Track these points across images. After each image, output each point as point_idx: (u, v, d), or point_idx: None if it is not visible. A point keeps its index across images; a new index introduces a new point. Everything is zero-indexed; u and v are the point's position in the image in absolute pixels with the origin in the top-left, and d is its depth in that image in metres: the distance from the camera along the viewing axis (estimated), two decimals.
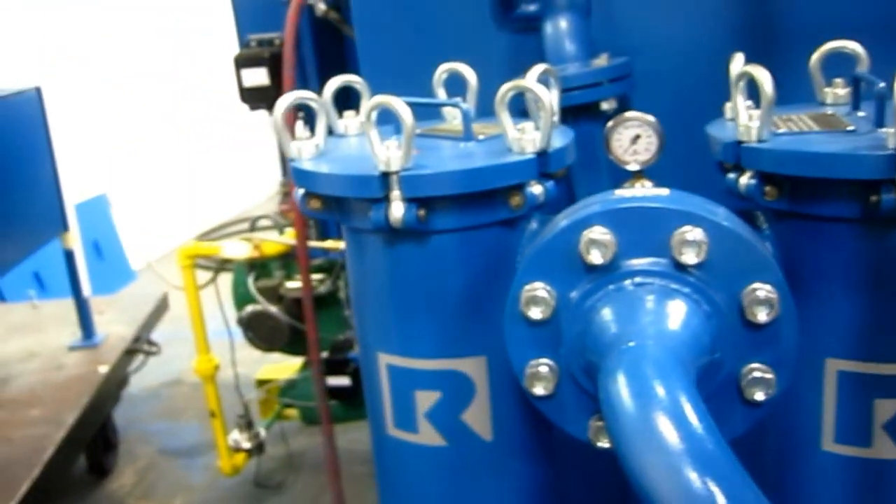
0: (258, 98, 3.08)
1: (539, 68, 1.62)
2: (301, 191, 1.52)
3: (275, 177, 9.90)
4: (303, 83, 3.20)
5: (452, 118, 1.79)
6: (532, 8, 2.20)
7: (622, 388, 1.06)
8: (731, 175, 1.47)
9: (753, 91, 1.41)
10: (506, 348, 1.34)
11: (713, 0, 2.15)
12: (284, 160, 3.46)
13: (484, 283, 1.48)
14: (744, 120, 1.42)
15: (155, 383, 4.95)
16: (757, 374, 1.26)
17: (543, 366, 1.30)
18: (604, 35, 2.20)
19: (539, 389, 1.30)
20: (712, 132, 1.55)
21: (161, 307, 4.49)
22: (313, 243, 3.29)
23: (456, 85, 1.81)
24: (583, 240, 1.24)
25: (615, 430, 1.04)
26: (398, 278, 1.50)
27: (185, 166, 8.32)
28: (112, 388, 4.01)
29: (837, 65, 1.74)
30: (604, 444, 1.31)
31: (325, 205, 1.50)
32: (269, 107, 3.14)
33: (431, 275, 1.48)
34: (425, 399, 1.53)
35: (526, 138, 1.41)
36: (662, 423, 1.00)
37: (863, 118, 1.51)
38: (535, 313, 1.27)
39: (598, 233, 1.23)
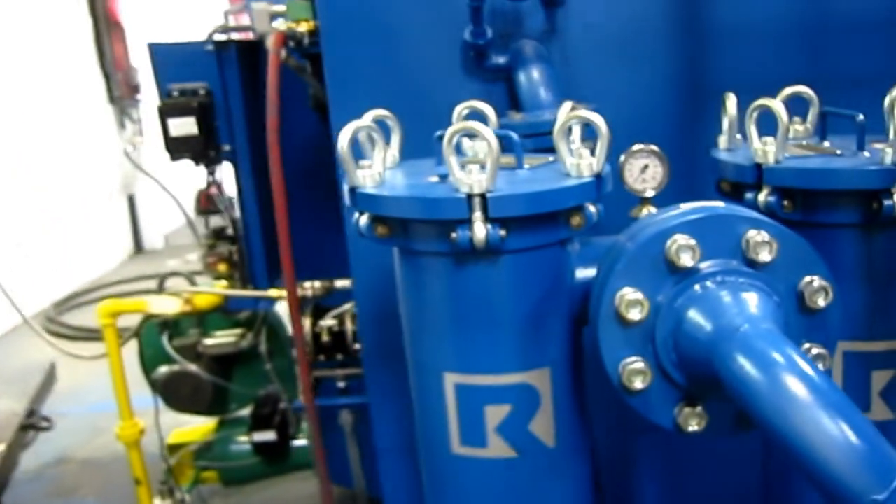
0: (185, 148, 3.10)
1: (569, 104, 1.83)
2: (365, 218, 1.63)
3: (125, 243, 9.61)
4: (228, 131, 3.25)
5: (474, 152, 1.94)
6: (502, 60, 2.41)
7: (751, 363, 1.28)
8: (749, 194, 1.73)
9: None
10: (598, 350, 1.50)
11: (658, 53, 2.46)
12: (207, 211, 3.45)
13: (545, 298, 1.65)
14: (758, 145, 1.69)
15: (37, 463, 4.65)
16: (815, 350, 1.50)
17: (638, 363, 1.48)
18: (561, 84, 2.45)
19: (638, 384, 1.47)
20: (724, 158, 1.81)
21: (49, 379, 4.28)
22: (244, 292, 3.30)
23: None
24: (672, 247, 1.44)
25: (752, 398, 1.25)
26: (470, 298, 1.63)
27: (27, 232, 7.89)
28: (7, 470, 3.77)
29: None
30: (693, 427, 1.50)
31: (392, 230, 1.62)
32: (195, 156, 3.16)
33: (503, 293, 1.62)
34: (495, 413, 1.66)
35: (584, 163, 1.61)
36: (793, 383, 1.23)
37: (838, 146, 1.82)
38: (634, 315, 1.45)
39: (684, 240, 1.44)
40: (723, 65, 2.46)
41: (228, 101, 3.18)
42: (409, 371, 1.84)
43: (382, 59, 2.43)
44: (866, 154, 1.70)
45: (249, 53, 3.28)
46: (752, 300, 1.42)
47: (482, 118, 1.95)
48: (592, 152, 1.60)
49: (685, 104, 2.51)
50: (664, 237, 1.46)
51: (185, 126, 3.11)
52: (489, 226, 1.51)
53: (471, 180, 1.50)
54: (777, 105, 1.65)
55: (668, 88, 2.49)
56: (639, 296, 1.45)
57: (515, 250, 1.59)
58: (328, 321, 3.10)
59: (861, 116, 1.73)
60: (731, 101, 1.88)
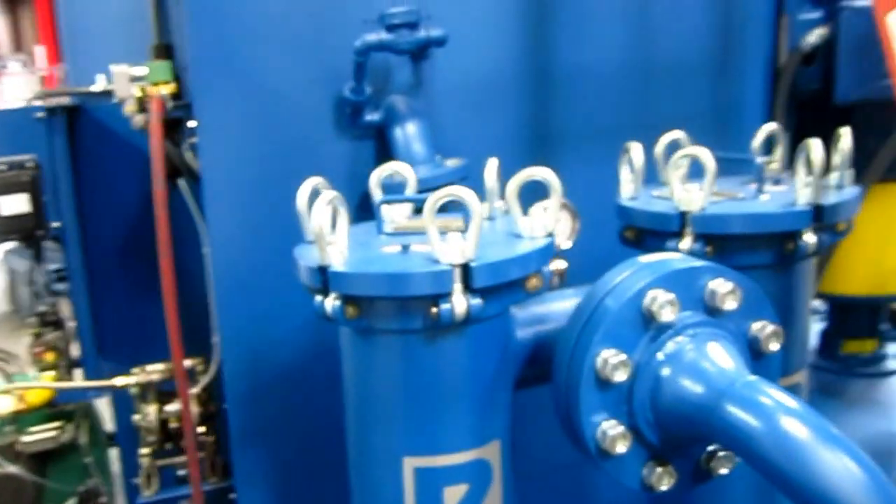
0: (16, 227, 2.78)
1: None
2: (334, 299, 1.55)
3: None
4: (56, 207, 2.96)
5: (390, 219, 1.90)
6: (376, 117, 2.40)
7: (752, 416, 1.38)
8: (671, 241, 1.84)
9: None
10: (573, 415, 1.53)
11: (510, 103, 2.60)
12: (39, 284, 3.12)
13: (498, 365, 1.68)
14: (682, 194, 1.81)
15: None
16: None
17: (618, 426, 1.53)
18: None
19: (620, 448, 1.52)
20: (638, 206, 1.92)
21: None
22: (80, 384, 3.01)
23: None
24: (653, 303, 1.51)
25: (757, 448, 1.35)
26: (436, 374, 1.61)
27: None
28: None
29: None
30: (664, 486, 1.57)
31: (362, 311, 1.56)
32: (26, 237, 2.85)
33: (466, 365, 1.63)
34: (454, 494, 1.65)
35: (537, 223, 1.66)
36: (796, 427, 1.34)
37: (730, 188, 1.99)
38: (619, 376, 1.50)
39: (664, 295, 1.51)
40: (565, 112, 2.66)
41: (57, 174, 2.90)
42: (352, 460, 1.78)
43: (253, 116, 2.36)
44: (765, 196, 1.88)
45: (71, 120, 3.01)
46: (728, 352, 1.52)
47: (399, 185, 1.94)
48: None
49: (533, 149, 2.65)
50: (642, 293, 1.52)
51: (16, 203, 2.80)
52: (470, 297, 1.50)
53: (453, 250, 1.48)
54: (706, 155, 1.77)
55: (519, 135, 2.64)
56: (622, 357, 1.50)
57: (482, 319, 1.58)
58: (176, 405, 2.88)
59: (760, 160, 1.90)
60: (637, 151, 1.99)
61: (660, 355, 1.52)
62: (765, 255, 1.83)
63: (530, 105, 2.62)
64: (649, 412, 1.53)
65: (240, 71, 2.34)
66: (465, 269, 1.49)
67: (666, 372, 1.52)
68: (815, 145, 1.77)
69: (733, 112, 2.83)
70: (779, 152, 2.17)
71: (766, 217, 1.79)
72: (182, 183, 2.92)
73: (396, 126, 2.40)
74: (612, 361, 1.49)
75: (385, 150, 2.48)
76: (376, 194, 1.90)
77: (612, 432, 1.51)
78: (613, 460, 1.55)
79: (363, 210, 2.43)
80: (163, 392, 2.91)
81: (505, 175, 2.51)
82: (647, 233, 1.93)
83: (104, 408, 3.71)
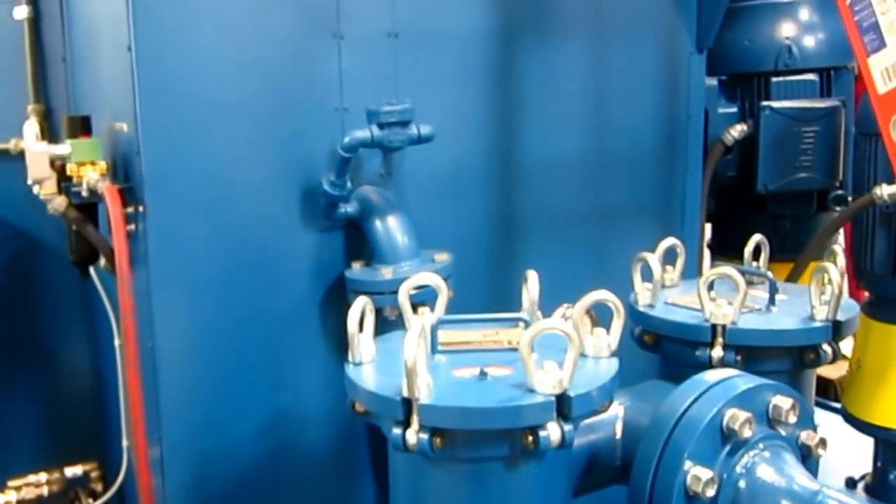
0: None
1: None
2: (423, 432, 1.63)
3: None
4: None
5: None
6: (351, 209, 2.49)
7: None
8: (700, 350, 2.08)
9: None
10: None
11: (476, 191, 2.80)
12: None
13: (567, 485, 1.84)
14: (713, 308, 2.06)
15: None
16: None
17: None
18: None
19: None
20: (663, 315, 2.15)
21: None
22: None
23: None
24: (733, 421, 1.72)
25: None
26: (517, 498, 1.74)
27: None
28: None
29: None
30: None
31: (449, 441, 1.65)
32: None
33: (545, 487, 1.77)
34: None
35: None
36: None
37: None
38: (709, 492, 1.69)
39: (742, 413, 1.73)
40: (530, 201, 2.90)
41: None
42: None
43: (210, 205, 2.38)
44: (776, 309, 2.17)
45: None
46: (797, 462, 1.76)
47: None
48: None
49: (501, 237, 2.86)
50: (721, 412, 1.73)
51: None
52: (564, 425, 1.64)
53: (551, 380, 1.62)
54: (736, 275, 2.03)
55: (487, 224, 2.85)
56: (711, 474, 1.70)
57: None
58: None
59: (771, 275, 2.19)
60: (654, 260, 2.22)
61: (739, 468, 1.74)
62: (786, 362, 2.10)
63: (498, 194, 2.81)
64: None
65: (196, 156, 2.35)
66: (561, 398, 1.62)
67: (743, 484, 1.73)
68: (832, 268, 2.07)
69: (677, 200, 3.16)
70: (763, 258, 2.47)
71: (789, 333, 2.08)
72: (93, 270, 2.86)
73: (375, 218, 2.49)
74: (703, 478, 1.68)
75: (355, 242, 2.56)
76: (407, 308, 1.98)
77: None
78: None
79: (331, 301, 2.51)
80: None
81: (478, 264, 2.72)
82: (670, 339, 2.15)
83: None
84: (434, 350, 1.85)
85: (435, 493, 1.75)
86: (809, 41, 3.29)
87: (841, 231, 3.48)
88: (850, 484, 3.18)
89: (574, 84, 2.89)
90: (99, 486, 3.13)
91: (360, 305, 1.80)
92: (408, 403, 1.63)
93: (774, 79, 3.29)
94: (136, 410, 2.37)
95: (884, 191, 2.72)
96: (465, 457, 1.69)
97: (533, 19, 2.79)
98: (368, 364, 1.83)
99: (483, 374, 1.73)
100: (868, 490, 3.15)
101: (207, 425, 2.46)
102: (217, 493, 2.48)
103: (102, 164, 2.47)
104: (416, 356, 1.59)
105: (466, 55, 2.69)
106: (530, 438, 1.62)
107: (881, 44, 1.85)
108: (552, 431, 1.62)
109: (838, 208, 3.29)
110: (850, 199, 3.21)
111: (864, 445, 3.18)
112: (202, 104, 2.34)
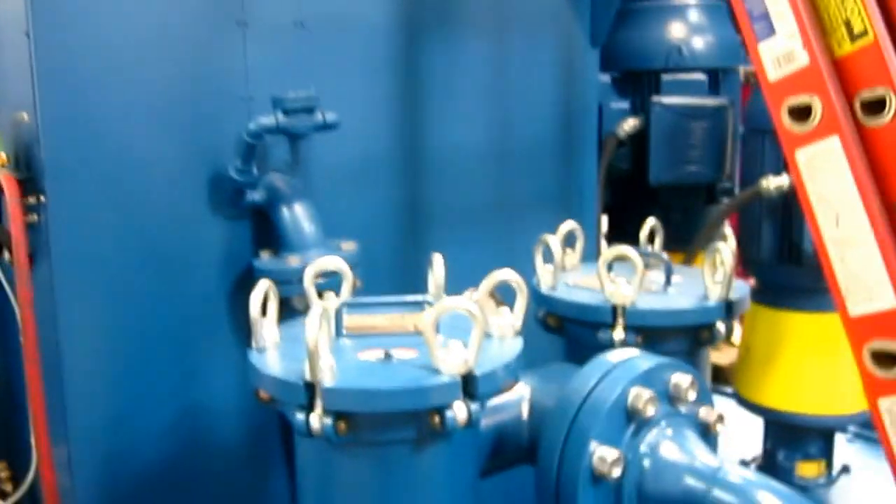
0: None
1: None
2: (326, 417, 1.47)
3: None
4: None
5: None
6: (258, 197, 2.31)
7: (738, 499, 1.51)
8: (602, 332, 1.96)
9: None
10: None
11: (384, 182, 2.64)
12: None
13: (474, 467, 1.70)
14: (610, 288, 1.94)
15: None
16: None
17: None
18: None
19: None
20: (565, 297, 2.02)
21: None
22: None
23: None
24: (638, 400, 1.60)
25: None
26: (425, 481, 1.60)
27: None
28: None
29: None
30: None
31: (354, 425, 1.49)
32: None
33: (453, 468, 1.64)
34: None
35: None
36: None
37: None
38: (616, 472, 1.57)
39: (647, 392, 1.61)
40: (437, 191, 2.76)
41: None
42: None
43: (115, 195, 2.17)
44: (672, 290, 2.06)
45: None
46: (698, 440, 1.65)
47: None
48: None
49: (408, 227, 2.71)
50: (625, 392, 1.61)
51: None
52: (471, 404, 1.50)
53: (455, 360, 1.48)
54: (634, 254, 1.91)
55: (394, 214, 2.70)
56: (617, 453, 1.57)
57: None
58: None
59: (666, 256, 2.09)
60: (554, 242, 2.09)
61: (643, 447, 1.62)
62: (684, 342, 2.00)
63: (404, 185, 2.66)
64: (636, 502, 1.61)
65: (99, 145, 2.14)
66: (467, 378, 1.48)
67: (648, 463, 1.61)
68: (724, 248, 1.97)
69: (575, 191, 3.05)
70: (658, 242, 2.37)
71: (688, 312, 1.98)
72: None
73: (282, 206, 2.32)
74: (610, 458, 1.56)
75: (263, 230, 2.39)
76: (312, 293, 1.82)
77: None
78: None
79: (241, 291, 2.32)
80: None
81: (385, 254, 2.56)
82: (573, 322, 2.02)
83: None
84: (339, 334, 1.68)
85: (342, 478, 1.60)
86: (699, 42, 3.22)
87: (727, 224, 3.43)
88: (743, 466, 3.13)
89: (477, 77, 2.76)
90: (9, 487, 2.85)
91: (263, 289, 1.62)
92: (311, 387, 1.47)
93: (664, 77, 3.21)
94: (37, 407, 2.15)
95: (770, 183, 2.72)
96: (371, 440, 1.53)
97: (437, 13, 2.65)
98: (272, 349, 1.66)
99: (388, 356, 1.58)
100: (759, 470, 3.12)
101: (116, 422, 2.25)
102: (128, 491, 2.28)
103: (2, 155, 2.24)
104: (319, 338, 1.43)
105: (372, 46, 2.54)
106: (437, 419, 1.48)
107: (770, 31, 1.74)
108: (458, 411, 1.48)
109: (726, 200, 3.25)
110: (737, 191, 3.18)
111: (755, 430, 3.14)
112: (105, 92, 2.13)
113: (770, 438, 3.07)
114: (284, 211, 2.31)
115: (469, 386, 1.48)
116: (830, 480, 3.01)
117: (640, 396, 1.60)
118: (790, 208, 2.80)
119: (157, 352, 2.27)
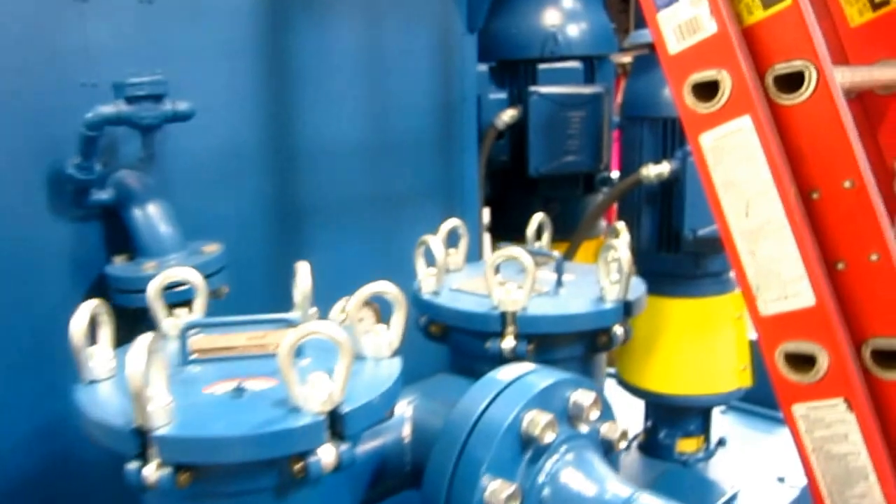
0: None
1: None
2: (165, 469, 1.12)
3: None
4: None
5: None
6: (106, 196, 1.91)
7: None
8: (491, 341, 1.66)
9: None
10: None
11: (251, 175, 2.26)
12: None
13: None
14: (502, 295, 1.64)
15: None
16: None
17: None
18: None
19: None
20: (449, 304, 1.71)
21: None
22: None
23: None
24: (533, 426, 1.30)
25: None
26: None
27: None
28: None
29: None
30: None
31: (197, 476, 1.15)
32: None
33: None
34: None
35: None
36: None
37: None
38: None
39: (543, 416, 1.31)
40: (310, 187, 2.40)
41: None
42: None
43: None
44: (564, 291, 1.79)
45: None
46: (602, 464, 1.38)
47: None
48: None
49: (278, 225, 2.35)
50: (519, 416, 1.31)
51: None
52: (340, 445, 1.17)
53: (319, 395, 1.15)
54: (525, 257, 1.62)
55: (264, 211, 2.30)
56: (512, 488, 1.28)
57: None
58: None
59: (558, 254, 1.81)
60: (436, 243, 1.79)
61: (542, 477, 1.34)
62: (579, 348, 1.72)
63: (274, 180, 2.29)
64: None
65: None
66: (333, 415, 1.16)
67: (548, 493, 1.33)
68: (620, 246, 1.70)
69: (456, 184, 2.75)
70: (545, 237, 2.10)
71: (584, 316, 1.68)
72: None
73: (134, 206, 1.92)
74: (504, 493, 1.26)
75: (117, 233, 1.98)
76: (158, 307, 1.45)
77: None
78: None
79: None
80: None
81: (255, 255, 2.20)
82: (458, 331, 1.72)
83: None
84: (185, 361, 1.32)
85: None
86: (573, 30, 2.96)
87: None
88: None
89: (350, 64, 2.40)
90: None
91: (86, 312, 1.25)
92: (141, 434, 1.10)
93: (541, 66, 2.94)
94: None
95: (650, 171, 2.52)
96: (222, 492, 1.18)
97: None
98: (106, 382, 1.28)
99: (240, 389, 1.23)
100: (641, 448, 2.99)
101: None
102: None
103: None
104: (147, 374, 1.07)
105: (234, 28, 2.15)
106: (298, 466, 1.14)
107: None
108: (324, 455, 1.15)
109: (605, 189, 3.02)
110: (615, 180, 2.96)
111: (636, 409, 2.98)
112: None
113: (651, 417, 2.99)
114: (136, 212, 1.92)
115: (336, 424, 1.15)
116: (709, 454, 2.95)
117: (537, 422, 1.31)
118: (669, 196, 2.63)
119: (8, 364, 1.86)
